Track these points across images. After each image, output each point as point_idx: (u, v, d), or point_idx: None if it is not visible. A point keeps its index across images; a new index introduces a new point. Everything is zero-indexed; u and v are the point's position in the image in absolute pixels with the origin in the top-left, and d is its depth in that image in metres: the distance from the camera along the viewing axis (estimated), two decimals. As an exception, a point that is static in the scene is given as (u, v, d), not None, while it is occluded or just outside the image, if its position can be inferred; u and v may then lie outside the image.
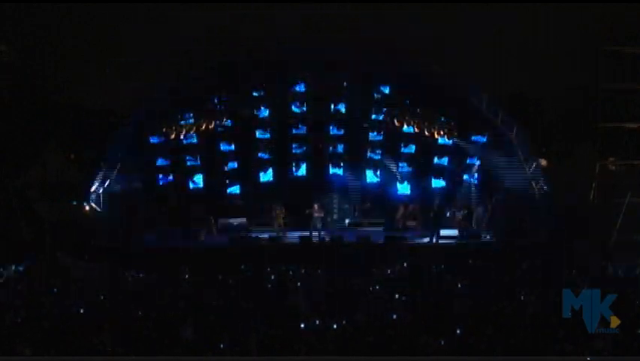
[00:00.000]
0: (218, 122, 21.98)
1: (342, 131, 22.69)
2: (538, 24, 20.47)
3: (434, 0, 19.76)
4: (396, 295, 12.58)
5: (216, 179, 22.89)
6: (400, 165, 22.80)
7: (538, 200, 19.68)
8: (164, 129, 21.55)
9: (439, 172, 22.66)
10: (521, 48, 20.58)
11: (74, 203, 20.51)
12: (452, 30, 20.35)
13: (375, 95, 22.16)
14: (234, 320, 10.75)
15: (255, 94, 22.16)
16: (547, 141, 21.60)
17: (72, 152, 22.42)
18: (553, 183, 19.61)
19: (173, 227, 21.18)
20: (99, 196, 20.11)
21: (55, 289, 13.90)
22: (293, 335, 9.84)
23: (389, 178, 22.98)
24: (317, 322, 10.49)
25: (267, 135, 22.60)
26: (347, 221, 22.85)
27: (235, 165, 22.86)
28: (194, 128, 21.79)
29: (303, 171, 22.99)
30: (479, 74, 20.11)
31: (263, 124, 22.45)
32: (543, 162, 20.79)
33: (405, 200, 22.37)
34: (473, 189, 22.25)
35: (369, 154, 22.85)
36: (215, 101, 22.09)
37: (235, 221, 21.84)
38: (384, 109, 22.13)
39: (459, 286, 14.05)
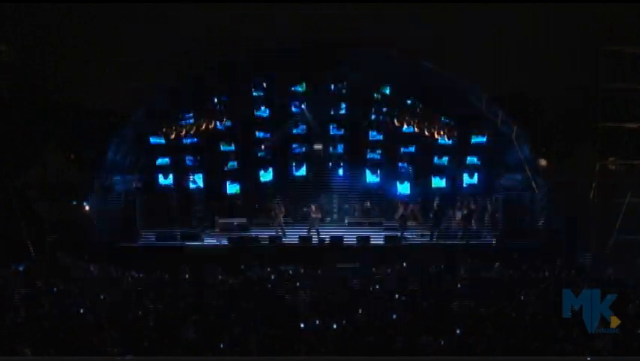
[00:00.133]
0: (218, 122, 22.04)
1: (342, 131, 22.74)
2: (538, 24, 20.45)
3: (434, 0, 19.75)
4: (396, 295, 12.59)
5: (216, 179, 22.92)
6: (400, 165, 22.83)
7: (538, 200, 19.69)
8: (164, 129, 21.60)
9: (439, 172, 22.67)
10: (521, 48, 20.56)
11: (74, 203, 20.52)
12: (452, 30, 20.33)
13: (375, 95, 22.19)
14: (234, 320, 10.75)
15: (255, 94, 22.21)
16: (547, 141, 21.58)
17: (72, 152, 22.42)
18: (553, 183, 19.63)
19: (173, 227, 21.17)
20: (99, 196, 20.12)
21: (55, 289, 13.89)
22: (293, 335, 9.85)
23: (389, 178, 22.99)
24: (317, 322, 10.49)
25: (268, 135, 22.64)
26: (347, 221, 22.87)
27: (235, 164, 22.89)
28: (194, 128, 21.84)
29: (303, 171, 23.03)
30: (479, 74, 20.09)
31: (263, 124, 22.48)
32: (543, 162, 20.80)
33: (405, 200, 22.39)
34: (473, 189, 22.27)
35: (369, 154, 22.88)
36: (215, 101, 22.14)
37: (235, 221, 21.86)
38: (384, 109, 22.17)
39: (459, 286, 14.07)
